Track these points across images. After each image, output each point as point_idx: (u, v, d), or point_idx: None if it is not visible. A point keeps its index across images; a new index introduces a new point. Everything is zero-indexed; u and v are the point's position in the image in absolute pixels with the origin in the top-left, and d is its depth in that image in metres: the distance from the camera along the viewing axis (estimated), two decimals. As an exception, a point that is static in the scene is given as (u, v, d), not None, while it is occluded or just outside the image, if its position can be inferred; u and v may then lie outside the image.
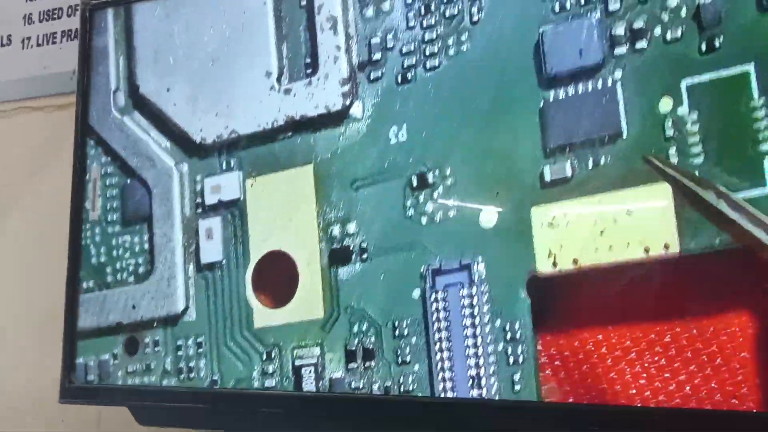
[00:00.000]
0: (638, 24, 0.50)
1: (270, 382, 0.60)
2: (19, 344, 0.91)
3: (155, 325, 0.65)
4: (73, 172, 0.71)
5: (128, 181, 0.68)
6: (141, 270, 0.67)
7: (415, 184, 0.56)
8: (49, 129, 0.92)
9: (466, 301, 0.54)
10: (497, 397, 0.52)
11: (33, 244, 0.92)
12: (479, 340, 0.53)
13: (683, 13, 0.49)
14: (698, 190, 0.47)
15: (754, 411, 0.45)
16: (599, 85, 0.51)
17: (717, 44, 0.48)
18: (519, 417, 0.52)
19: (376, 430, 0.58)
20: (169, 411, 0.67)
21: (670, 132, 0.49)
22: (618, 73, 0.51)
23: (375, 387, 0.56)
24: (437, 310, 0.55)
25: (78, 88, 0.73)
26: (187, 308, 0.64)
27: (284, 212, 0.61)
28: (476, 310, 0.53)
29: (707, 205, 0.46)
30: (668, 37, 0.50)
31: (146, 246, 0.67)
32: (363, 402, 0.57)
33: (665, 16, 0.50)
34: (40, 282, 0.89)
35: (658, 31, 0.50)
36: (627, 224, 0.49)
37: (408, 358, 0.55)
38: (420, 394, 0.54)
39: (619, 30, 0.51)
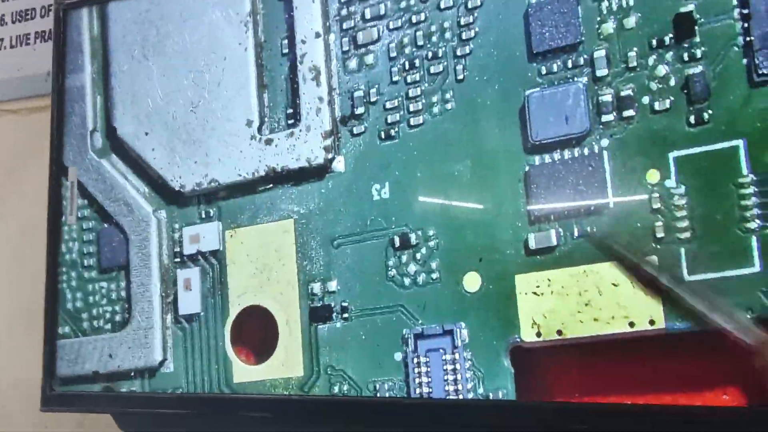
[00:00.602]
0: (626, 92, 0.49)
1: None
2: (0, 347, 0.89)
3: (132, 375, 0.64)
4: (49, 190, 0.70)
5: (105, 226, 0.67)
6: (118, 318, 0.66)
7: (397, 244, 0.55)
8: (24, 132, 0.91)
9: (449, 367, 0.53)
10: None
11: (12, 245, 0.91)
12: (461, 407, 0.52)
13: (672, 83, 0.48)
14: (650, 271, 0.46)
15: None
16: (585, 152, 0.50)
17: (706, 117, 0.47)
18: None
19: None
20: (152, 417, 0.66)
21: (656, 204, 0.48)
22: (605, 142, 0.50)
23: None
24: (419, 374, 0.54)
25: (53, 89, 0.72)
26: (164, 360, 0.63)
27: (264, 266, 0.60)
28: (458, 376, 0.53)
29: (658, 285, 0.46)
30: (656, 107, 0.49)
31: (123, 294, 0.65)
32: (349, 406, 0.56)
33: (653, 86, 0.49)
34: (20, 283, 0.88)
35: (646, 100, 0.49)
36: (612, 297, 0.49)
37: (389, 423, 0.54)
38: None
39: (607, 97, 0.50)
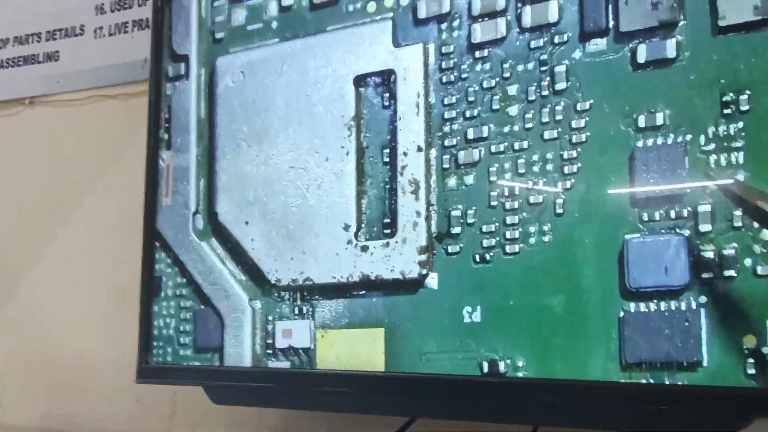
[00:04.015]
0: (728, 251, 0.49)
1: None
2: (96, 324, 0.96)
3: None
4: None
5: (202, 307, 0.69)
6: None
7: (485, 369, 0.56)
8: (121, 116, 0.96)
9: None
10: None
11: (109, 226, 0.97)
12: None
13: (776, 249, 0.48)
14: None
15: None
16: (683, 306, 0.50)
17: (811, 288, 0.46)
18: None
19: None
20: (242, 390, 0.68)
21: (751, 370, 0.48)
22: (702, 299, 0.49)
23: None
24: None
25: (150, 75, 0.75)
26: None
27: (352, 369, 0.61)
28: None
29: None
30: (759, 271, 0.48)
31: (216, 377, 0.67)
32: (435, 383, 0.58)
33: (757, 248, 0.48)
34: (116, 262, 0.94)
35: (748, 262, 0.48)
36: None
37: None
38: None
39: (708, 254, 0.49)
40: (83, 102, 1.00)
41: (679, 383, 0.49)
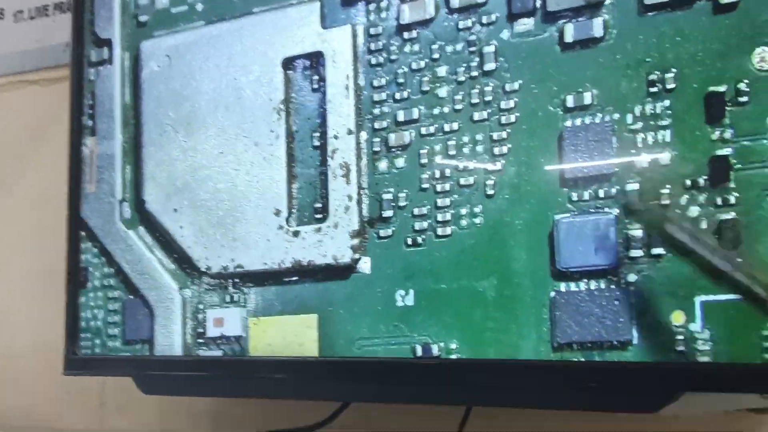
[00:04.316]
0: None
1: None
2: (22, 316, 0.95)
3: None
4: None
5: (130, 297, 0.67)
6: (139, 392, 0.66)
7: (419, 353, 0.55)
8: (44, 101, 0.94)
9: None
10: None
11: (33, 212, 0.95)
12: None
13: (703, 225, 0.48)
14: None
15: None
16: (612, 286, 0.50)
17: (735, 265, 0.47)
18: None
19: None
20: (172, 380, 0.67)
21: (680, 347, 0.48)
22: (632, 278, 0.50)
23: None
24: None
25: (71, 60, 0.73)
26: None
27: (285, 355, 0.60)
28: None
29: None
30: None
31: (146, 367, 0.66)
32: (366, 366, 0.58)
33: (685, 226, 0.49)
34: (41, 252, 0.92)
35: (676, 240, 0.49)
36: None
37: None
38: None
39: (637, 232, 0.50)
40: (4, 87, 0.97)
41: (609, 361, 0.50)
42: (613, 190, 0.51)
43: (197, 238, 0.64)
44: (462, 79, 0.56)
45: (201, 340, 0.64)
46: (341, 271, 0.59)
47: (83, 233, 0.70)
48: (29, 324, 0.93)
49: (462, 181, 0.55)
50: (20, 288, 0.95)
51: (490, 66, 0.55)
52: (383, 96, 0.58)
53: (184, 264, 0.65)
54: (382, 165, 0.58)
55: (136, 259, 0.68)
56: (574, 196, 0.52)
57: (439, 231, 0.56)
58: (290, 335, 0.61)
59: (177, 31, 0.67)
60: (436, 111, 0.56)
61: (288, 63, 0.62)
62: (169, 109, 0.67)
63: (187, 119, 0.66)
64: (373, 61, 0.59)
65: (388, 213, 0.58)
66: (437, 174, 0.56)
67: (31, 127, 0.95)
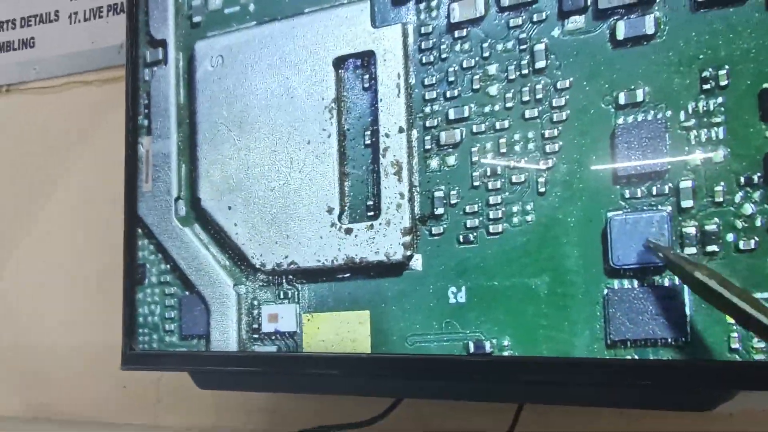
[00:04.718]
0: (710, 227, 0.49)
1: None
2: (78, 312, 0.97)
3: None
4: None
5: (187, 294, 0.69)
6: (196, 386, 0.68)
7: (471, 350, 0.56)
8: (99, 102, 0.96)
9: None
10: None
11: (88, 213, 0.96)
12: None
13: (758, 223, 0.48)
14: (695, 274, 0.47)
15: None
16: (666, 283, 0.50)
17: (792, 261, 0.47)
18: None
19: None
20: (227, 375, 0.69)
21: (735, 345, 0.48)
22: (686, 275, 0.50)
23: None
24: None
25: (126, 61, 0.74)
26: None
27: (339, 352, 0.61)
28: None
29: (703, 285, 0.46)
30: (741, 246, 0.48)
31: (203, 363, 0.67)
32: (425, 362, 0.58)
33: (739, 224, 0.48)
34: (97, 249, 0.95)
35: (730, 237, 0.49)
36: None
37: None
38: None
39: (691, 230, 0.50)
40: (60, 89, 1.00)
41: (664, 359, 0.50)
42: (666, 188, 0.51)
43: (251, 235, 0.65)
44: (513, 76, 0.56)
45: (256, 336, 0.65)
46: (393, 268, 0.60)
47: (140, 230, 0.71)
48: (86, 321, 0.95)
49: (513, 179, 0.56)
50: (77, 285, 0.97)
51: (541, 64, 0.55)
52: (434, 94, 0.59)
53: (238, 261, 0.66)
54: (434, 163, 0.59)
55: (192, 255, 0.69)
56: (627, 194, 0.52)
57: (491, 228, 0.56)
58: (343, 331, 0.61)
59: (230, 32, 0.68)
60: (487, 109, 0.57)
61: (339, 62, 0.63)
62: (222, 108, 0.68)
63: (240, 118, 0.67)
64: (424, 59, 0.59)
65: (439, 210, 0.58)
66: (488, 172, 0.56)
67: (86, 126, 0.97)
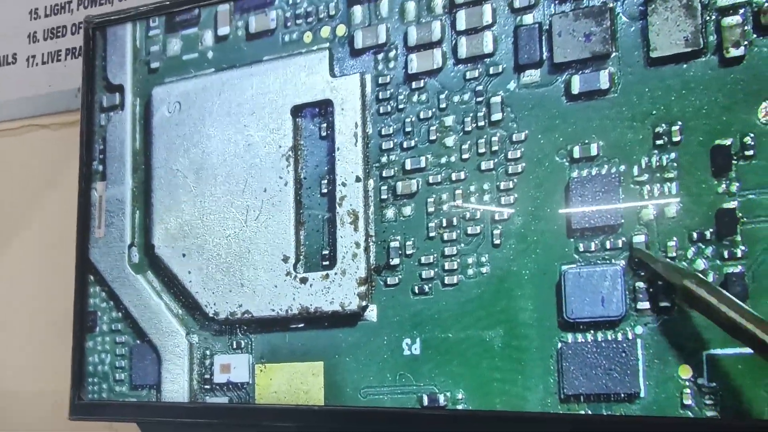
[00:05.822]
0: (663, 282, 0.49)
1: None
2: (29, 359, 0.94)
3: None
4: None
5: (138, 342, 0.67)
6: (145, 438, 0.66)
7: (425, 403, 0.55)
8: (55, 146, 0.93)
9: None
10: None
11: (41, 256, 0.94)
12: None
13: (710, 278, 0.48)
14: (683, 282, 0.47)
15: None
16: (619, 337, 0.50)
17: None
18: None
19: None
20: (178, 426, 0.67)
21: (687, 401, 0.48)
22: (639, 330, 0.50)
23: None
24: None
25: (82, 105, 0.73)
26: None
27: (292, 403, 0.60)
28: None
29: (691, 294, 0.46)
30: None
31: (152, 414, 0.66)
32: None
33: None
34: (50, 295, 0.91)
35: (683, 293, 0.49)
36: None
37: None
38: None
39: (643, 284, 0.50)
40: (16, 131, 0.98)
41: (616, 414, 0.49)
42: (620, 242, 0.51)
43: (205, 283, 0.65)
44: (469, 128, 0.56)
45: (207, 387, 0.64)
46: (348, 319, 0.59)
47: (92, 277, 0.70)
48: (36, 369, 0.93)
49: (469, 230, 0.55)
50: (27, 332, 0.95)
51: (497, 116, 0.55)
52: (391, 144, 0.59)
53: (192, 309, 0.65)
54: (390, 213, 0.58)
55: (144, 303, 0.68)
56: (581, 247, 0.52)
57: (446, 279, 0.56)
58: (296, 383, 0.60)
59: (188, 78, 0.68)
60: (443, 160, 0.57)
61: (297, 110, 0.63)
62: (179, 154, 0.67)
63: (197, 165, 0.66)
64: (382, 109, 0.59)
65: (395, 261, 0.58)
66: (444, 222, 0.56)
67: (42, 171, 0.96)
